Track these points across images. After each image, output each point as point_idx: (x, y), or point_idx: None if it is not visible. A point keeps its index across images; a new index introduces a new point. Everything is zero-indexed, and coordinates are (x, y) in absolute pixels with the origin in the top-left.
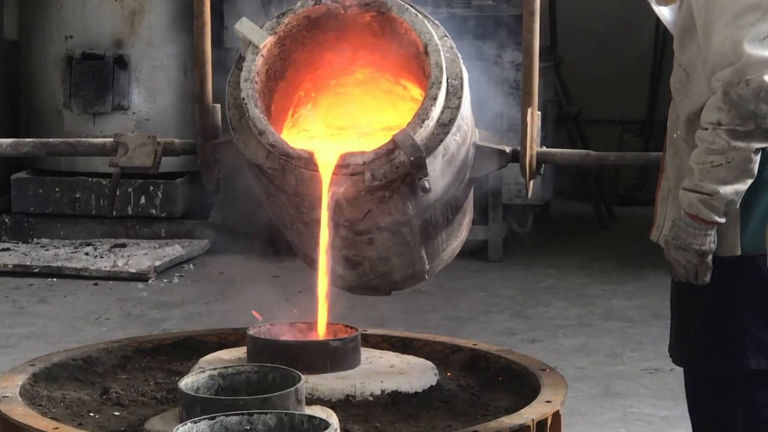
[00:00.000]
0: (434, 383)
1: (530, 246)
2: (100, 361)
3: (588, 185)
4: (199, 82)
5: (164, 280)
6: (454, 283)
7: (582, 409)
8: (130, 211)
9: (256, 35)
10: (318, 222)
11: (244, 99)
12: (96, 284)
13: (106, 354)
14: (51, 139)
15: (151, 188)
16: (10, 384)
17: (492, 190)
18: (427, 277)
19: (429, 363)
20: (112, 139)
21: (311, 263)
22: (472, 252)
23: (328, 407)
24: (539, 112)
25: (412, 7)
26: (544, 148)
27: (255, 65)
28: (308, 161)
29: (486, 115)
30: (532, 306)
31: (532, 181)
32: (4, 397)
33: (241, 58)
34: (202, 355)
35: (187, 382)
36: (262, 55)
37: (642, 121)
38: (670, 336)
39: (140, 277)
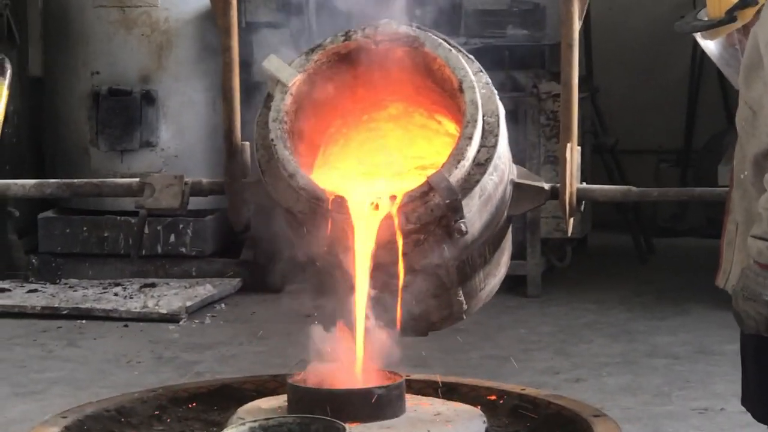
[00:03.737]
0: (483, 431)
1: (570, 281)
2: (134, 412)
3: (626, 217)
4: (227, 120)
5: (196, 321)
6: (492, 321)
7: None
8: (159, 250)
9: (285, 73)
10: (351, 266)
11: (272, 140)
12: (126, 326)
13: (141, 404)
14: (75, 180)
15: (181, 226)
16: None
17: (530, 224)
18: (465, 317)
19: (476, 410)
20: (138, 180)
21: (344, 307)
22: (510, 287)
23: None
24: (579, 147)
25: (446, 41)
26: (584, 185)
27: (284, 104)
28: (340, 206)
29: (522, 147)
30: (574, 343)
31: (572, 219)
32: None
33: (270, 97)
34: (240, 404)
35: None
36: (291, 94)
37: (678, 151)
38: (745, 389)
39: (171, 318)
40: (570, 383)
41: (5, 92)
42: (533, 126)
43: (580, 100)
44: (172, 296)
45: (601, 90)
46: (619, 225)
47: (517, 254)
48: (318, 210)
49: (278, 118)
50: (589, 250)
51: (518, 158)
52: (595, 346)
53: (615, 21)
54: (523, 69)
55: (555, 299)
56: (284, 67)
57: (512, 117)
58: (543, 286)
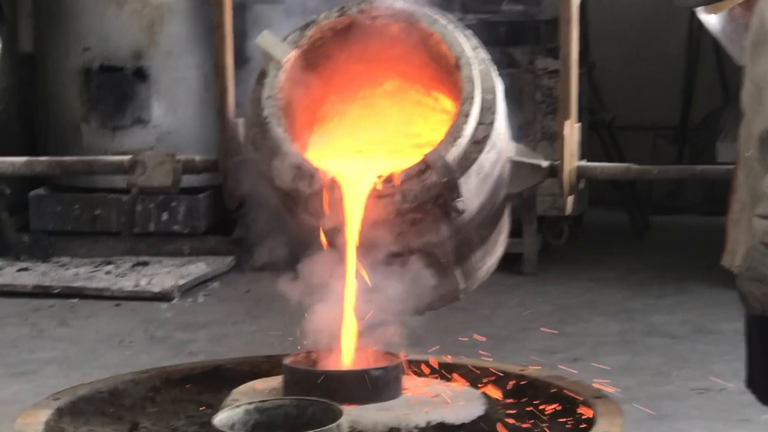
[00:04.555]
0: (482, 413)
1: (566, 259)
2: (127, 394)
3: (622, 193)
4: (220, 97)
5: (189, 300)
6: (489, 299)
7: None
8: (152, 228)
9: (279, 49)
10: (346, 244)
11: (266, 117)
12: (118, 305)
13: (134, 385)
14: (66, 158)
15: (174, 204)
16: (33, 420)
17: (526, 201)
18: (462, 296)
19: (475, 391)
20: (129, 158)
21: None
22: (506, 266)
23: None
24: (578, 124)
25: (443, 16)
26: (584, 162)
27: (277, 81)
28: (335, 184)
29: (518, 124)
30: (572, 322)
31: (570, 197)
32: None
33: (263, 73)
34: (234, 385)
35: (222, 418)
36: (285, 71)
37: (675, 128)
38: (749, 371)
39: (164, 296)
40: (568, 363)
41: None
42: (529, 103)
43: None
44: (164, 275)
45: (597, 66)
46: (615, 202)
47: (513, 232)
48: (311, 189)
49: (272, 95)
50: (585, 228)
51: (514, 135)
52: (593, 325)
53: None
54: (519, 45)
55: (551, 277)
56: (278, 44)
57: (508, 94)
58: (539, 264)
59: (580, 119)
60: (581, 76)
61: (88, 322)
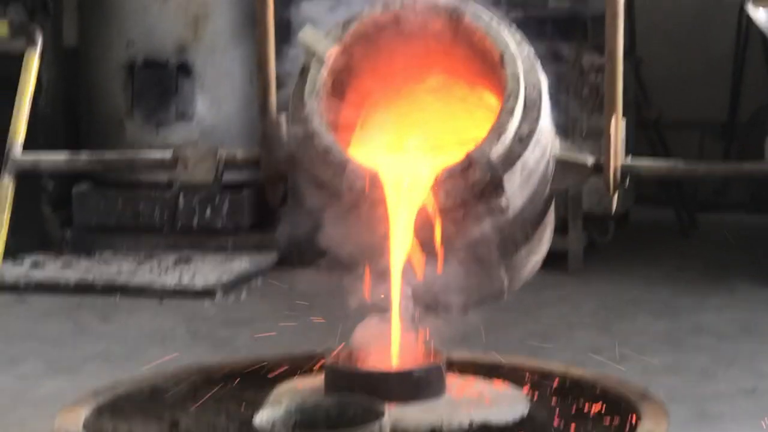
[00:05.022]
0: (525, 413)
1: (612, 256)
2: (168, 391)
3: (668, 191)
4: (263, 92)
5: (231, 296)
6: (534, 297)
7: None
8: (195, 224)
9: (321, 45)
10: (388, 242)
11: (308, 114)
12: (161, 301)
13: (175, 383)
14: (107, 154)
15: (217, 199)
16: (72, 418)
17: (571, 199)
18: (506, 295)
19: (519, 391)
20: (171, 153)
21: (380, 285)
22: (551, 263)
23: None
24: (624, 121)
25: (486, 12)
26: (629, 160)
27: (320, 77)
28: (377, 181)
29: (564, 121)
30: (617, 321)
31: (616, 195)
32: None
33: (305, 69)
34: (276, 384)
35: (263, 417)
36: (327, 66)
37: (723, 124)
38: None
39: (207, 293)
40: (613, 362)
41: (36, 62)
42: (576, 99)
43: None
44: (207, 271)
45: (644, 62)
46: (661, 199)
47: (559, 229)
48: (354, 186)
49: (314, 91)
50: (631, 225)
51: (560, 132)
52: (639, 324)
53: None
54: (566, 41)
55: (597, 275)
56: (320, 39)
57: (554, 90)
58: (585, 262)
59: (626, 116)
60: (627, 72)
61: (131, 319)
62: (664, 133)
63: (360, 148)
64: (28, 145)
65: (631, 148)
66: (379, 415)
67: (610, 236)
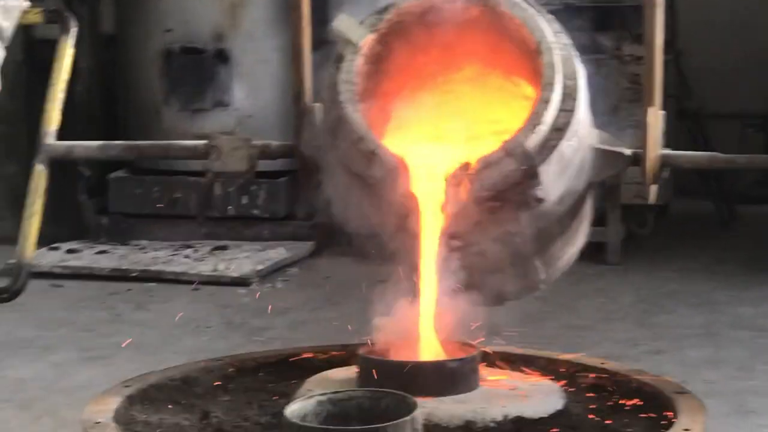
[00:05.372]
0: (561, 407)
1: (651, 248)
2: (199, 382)
3: (708, 183)
4: (297, 81)
5: (267, 285)
6: (571, 289)
7: (715, 429)
8: (231, 212)
9: (356, 33)
10: (422, 233)
11: (342, 102)
12: (196, 289)
13: (206, 373)
14: (141, 142)
15: (254, 188)
16: (103, 408)
17: (610, 190)
18: (542, 287)
19: (555, 385)
20: (204, 142)
21: (415, 276)
22: (590, 255)
23: None
24: (662, 112)
25: (523, 0)
26: (668, 151)
27: (354, 65)
28: (411, 171)
29: (604, 111)
30: (655, 313)
31: (654, 186)
32: (96, 423)
33: (340, 57)
34: (308, 375)
35: (294, 409)
36: (362, 55)
37: (764, 116)
38: None
39: (242, 281)
40: (650, 355)
41: (70, 50)
42: (615, 90)
43: (664, 63)
44: (243, 259)
45: (684, 53)
46: (701, 191)
47: (597, 220)
48: (387, 176)
49: (348, 79)
50: (670, 217)
51: (599, 122)
52: (677, 317)
53: None
54: (606, 31)
55: (635, 267)
56: (355, 27)
57: (594, 80)
58: (623, 253)
59: (666, 107)
60: (668, 63)
61: (165, 307)
62: (704, 125)
63: (394, 137)
64: (65, 132)
65: (672, 140)
66: (411, 407)
67: (649, 228)
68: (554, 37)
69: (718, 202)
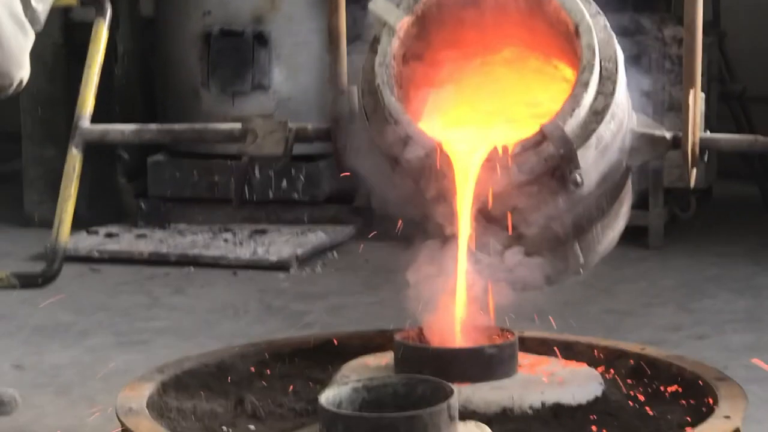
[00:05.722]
0: (599, 394)
1: (693, 232)
2: (234, 368)
3: (752, 166)
4: (334, 63)
5: (307, 269)
6: (613, 273)
7: (756, 415)
8: (271, 195)
9: (392, 15)
10: (458, 217)
11: (378, 85)
12: (235, 273)
13: (241, 359)
14: (176, 126)
15: (293, 171)
16: (136, 394)
17: (652, 173)
18: (582, 272)
19: (593, 371)
20: (240, 126)
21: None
22: (631, 239)
23: (483, 422)
24: (703, 94)
25: None
26: (708, 134)
27: (391, 48)
28: (447, 154)
29: (646, 93)
30: (697, 298)
31: (694, 170)
32: (129, 409)
33: (376, 40)
34: (345, 361)
35: (329, 396)
36: (399, 37)
37: None
38: None
39: (281, 266)
40: (692, 340)
41: (105, 33)
42: (658, 72)
43: (707, 45)
44: (282, 243)
45: (728, 35)
46: (745, 174)
47: (639, 204)
48: (425, 160)
49: (385, 62)
50: (714, 201)
51: (641, 105)
52: (719, 302)
53: None
54: (648, 12)
55: (678, 251)
56: (391, 9)
57: (636, 62)
58: (665, 237)
59: (709, 90)
60: (711, 45)
61: (203, 291)
62: (748, 107)
63: (432, 120)
64: (104, 115)
65: (715, 122)
66: (448, 394)
67: (692, 211)
68: (593, 19)
69: (762, 185)
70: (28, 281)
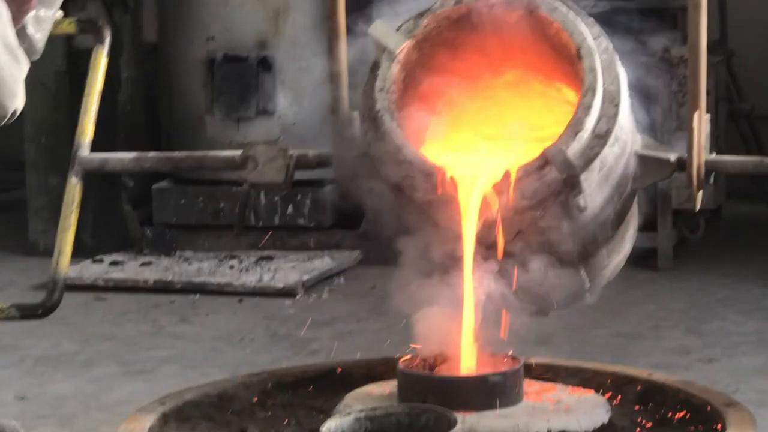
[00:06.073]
0: (606, 421)
1: (703, 254)
2: (236, 398)
3: (762, 186)
4: (335, 89)
5: (313, 295)
6: (621, 295)
7: None
8: (276, 221)
9: (392, 39)
10: (462, 242)
11: (379, 111)
12: (240, 301)
13: (244, 389)
14: (175, 153)
15: (299, 196)
16: (137, 426)
17: (660, 194)
18: (588, 296)
19: (600, 398)
20: (240, 153)
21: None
22: (640, 260)
23: None
24: (708, 115)
25: (563, 3)
26: (714, 156)
27: (391, 73)
28: (449, 179)
29: (653, 115)
30: (707, 320)
31: (700, 192)
32: None
33: (376, 65)
34: (349, 389)
35: (331, 426)
36: (399, 62)
37: None
38: None
39: (287, 292)
40: (702, 363)
41: (104, 60)
42: (664, 92)
43: (714, 64)
44: (288, 269)
45: (736, 54)
46: (755, 194)
47: (648, 225)
48: (425, 185)
49: (385, 87)
50: (723, 222)
51: (648, 126)
52: (729, 324)
53: None
54: (654, 33)
55: (687, 273)
56: (391, 34)
57: (643, 83)
58: (675, 259)
59: (717, 110)
60: (719, 65)
61: (209, 319)
62: (756, 127)
63: (433, 145)
64: (107, 141)
65: (723, 142)
66: (452, 423)
67: (701, 233)
68: (595, 41)
69: None
70: (28, 312)
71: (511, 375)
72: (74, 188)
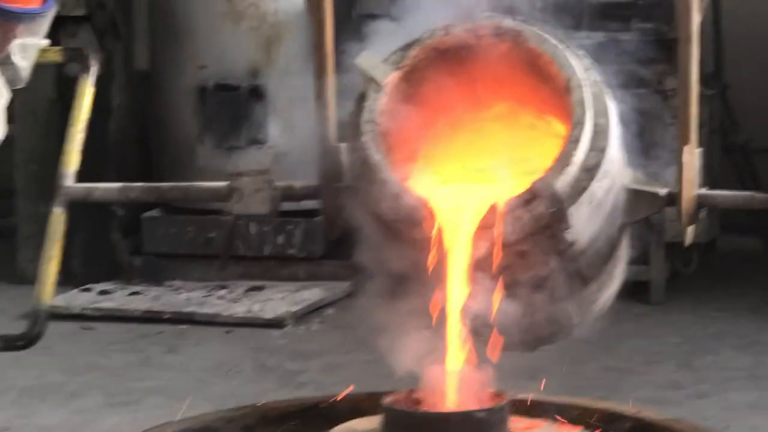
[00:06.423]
0: None
1: (696, 288)
2: None
3: (756, 219)
4: (321, 120)
5: (302, 327)
6: (613, 329)
7: None
8: (267, 251)
9: (379, 71)
10: (448, 277)
11: (365, 143)
12: (229, 331)
13: (226, 424)
14: (161, 184)
15: (290, 227)
16: None
17: (653, 227)
18: (576, 332)
19: None
20: (226, 184)
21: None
22: (633, 294)
23: None
24: (698, 150)
25: (553, 35)
26: (704, 190)
27: (377, 104)
28: (436, 213)
29: (646, 147)
30: (699, 355)
31: (691, 227)
32: None
33: (363, 96)
34: (333, 424)
35: None
36: (386, 93)
37: None
38: None
39: (276, 323)
40: (692, 399)
41: (90, 89)
42: (658, 125)
43: (709, 97)
44: (278, 300)
45: (731, 86)
46: (749, 228)
47: (640, 259)
48: (411, 218)
49: (371, 119)
50: (717, 255)
51: (642, 158)
52: (722, 359)
53: (747, 11)
54: (648, 64)
55: (680, 307)
56: (378, 65)
57: (636, 115)
58: (667, 292)
59: (712, 142)
60: (714, 97)
61: (197, 350)
62: (752, 159)
63: (420, 179)
64: (97, 169)
65: (718, 175)
66: None
67: (694, 266)
68: (584, 74)
69: (766, 239)
70: (9, 343)
71: (497, 411)
72: (59, 218)
